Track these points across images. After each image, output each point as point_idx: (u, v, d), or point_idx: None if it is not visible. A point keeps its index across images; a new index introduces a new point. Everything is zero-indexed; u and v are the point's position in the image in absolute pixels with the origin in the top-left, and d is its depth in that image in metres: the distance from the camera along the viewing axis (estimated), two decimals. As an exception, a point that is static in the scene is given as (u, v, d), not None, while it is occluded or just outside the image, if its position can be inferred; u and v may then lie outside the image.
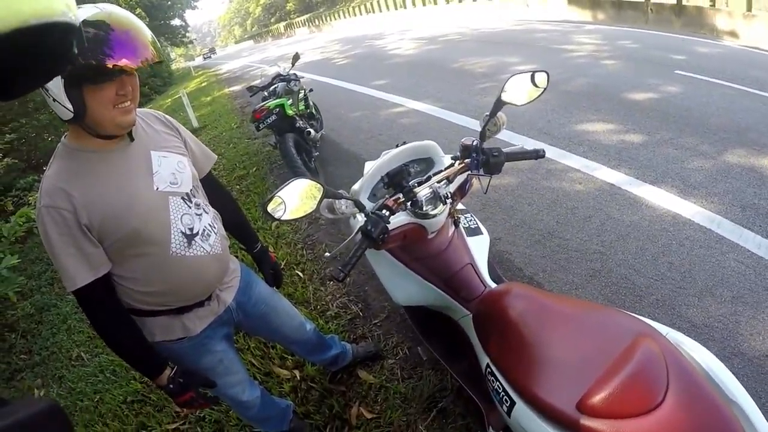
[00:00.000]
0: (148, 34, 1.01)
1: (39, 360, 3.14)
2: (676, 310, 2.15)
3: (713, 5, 9.48)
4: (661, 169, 3.34)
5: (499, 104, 1.31)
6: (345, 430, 1.89)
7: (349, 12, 30.97)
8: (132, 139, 1.15)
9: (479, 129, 1.37)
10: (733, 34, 8.87)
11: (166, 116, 1.34)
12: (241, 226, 1.59)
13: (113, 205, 1.07)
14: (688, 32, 8.98)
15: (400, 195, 1.29)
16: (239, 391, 1.49)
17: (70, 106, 0.98)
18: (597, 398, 0.94)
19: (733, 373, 0.98)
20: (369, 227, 1.17)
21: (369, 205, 1.35)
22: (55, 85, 0.97)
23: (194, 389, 1.28)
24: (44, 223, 1.05)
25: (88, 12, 0.93)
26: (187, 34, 37.04)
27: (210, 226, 1.27)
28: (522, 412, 1.11)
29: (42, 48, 0.43)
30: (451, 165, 1.40)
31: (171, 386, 1.24)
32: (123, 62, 0.94)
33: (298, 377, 2.15)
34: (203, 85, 15.65)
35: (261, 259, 1.60)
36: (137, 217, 1.10)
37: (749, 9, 8.75)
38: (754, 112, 4.32)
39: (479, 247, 1.63)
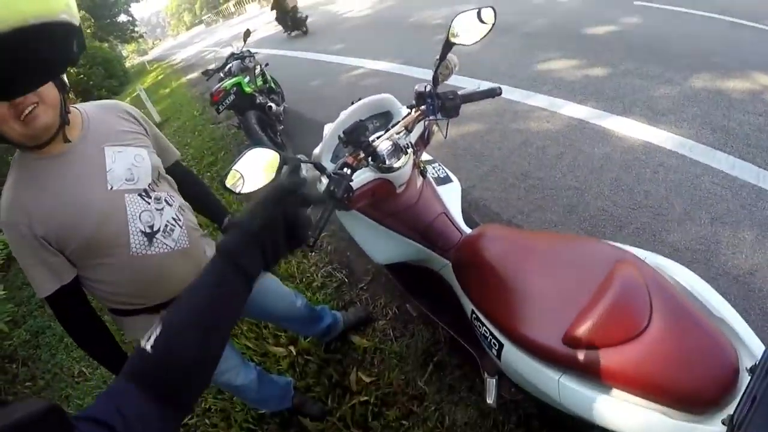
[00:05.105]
0: None
1: (43, 384, 3.06)
2: (657, 237, 2.18)
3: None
4: (628, 100, 3.33)
5: (448, 46, 1.28)
6: (347, 397, 1.90)
7: (298, -20, 29.38)
8: (67, 141, 1.08)
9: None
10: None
11: (127, 106, 1.28)
12: (206, 202, 1.54)
13: (66, 215, 1.05)
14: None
15: (360, 151, 1.25)
16: (231, 377, 1.48)
17: None
18: (582, 330, 0.94)
19: (720, 293, 0.97)
20: (332, 187, 1.13)
21: (332, 167, 1.31)
22: None
23: None
24: (8, 239, 1.07)
25: None
26: (136, 29, 35.30)
27: (174, 219, 1.22)
28: (511, 353, 1.11)
29: (42, 48, 0.43)
30: (408, 114, 1.36)
31: None
32: None
33: (294, 353, 2.15)
34: (160, 77, 15.00)
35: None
36: (91, 225, 1.07)
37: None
38: (716, 37, 4.31)
39: (451, 195, 1.61)
